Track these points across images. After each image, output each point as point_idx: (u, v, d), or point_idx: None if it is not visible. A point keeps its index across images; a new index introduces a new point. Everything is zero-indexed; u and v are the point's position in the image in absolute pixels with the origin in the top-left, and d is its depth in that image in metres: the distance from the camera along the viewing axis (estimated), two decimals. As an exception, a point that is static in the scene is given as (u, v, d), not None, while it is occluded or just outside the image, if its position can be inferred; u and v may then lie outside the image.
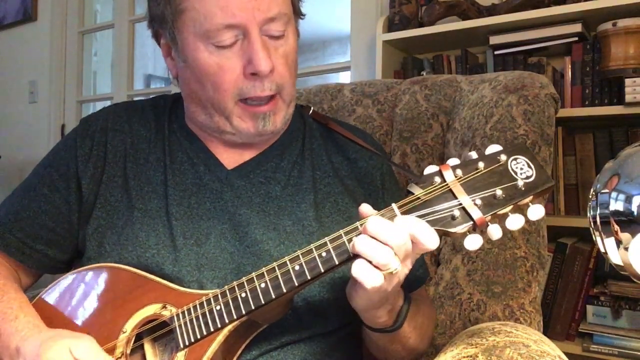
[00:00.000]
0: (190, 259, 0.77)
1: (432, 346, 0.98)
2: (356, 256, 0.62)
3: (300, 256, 0.65)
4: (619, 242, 0.77)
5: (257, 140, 0.84)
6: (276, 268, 0.66)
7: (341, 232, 0.65)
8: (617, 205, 0.77)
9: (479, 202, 0.62)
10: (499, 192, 0.62)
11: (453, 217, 0.62)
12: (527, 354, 0.64)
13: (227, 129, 0.81)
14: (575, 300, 1.51)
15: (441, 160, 1.16)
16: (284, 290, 0.66)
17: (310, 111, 0.93)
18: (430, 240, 0.61)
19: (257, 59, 0.74)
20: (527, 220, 0.63)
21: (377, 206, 0.74)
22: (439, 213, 0.63)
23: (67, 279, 0.80)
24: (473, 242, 0.62)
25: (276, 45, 0.78)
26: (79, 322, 0.77)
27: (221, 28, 0.74)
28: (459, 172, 0.64)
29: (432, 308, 0.94)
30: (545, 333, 0.87)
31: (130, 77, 2.87)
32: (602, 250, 0.80)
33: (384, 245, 0.60)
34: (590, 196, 0.82)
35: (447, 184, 0.64)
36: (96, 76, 3.25)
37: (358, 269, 0.61)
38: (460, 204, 0.62)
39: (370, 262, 0.60)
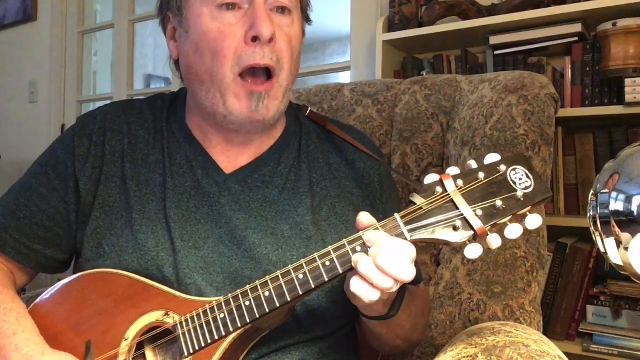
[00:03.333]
0: (188, 261, 0.77)
1: (432, 346, 0.98)
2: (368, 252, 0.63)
3: (304, 265, 0.66)
4: (619, 242, 0.77)
5: (248, 127, 0.81)
6: (280, 277, 0.66)
7: (345, 241, 0.65)
8: (617, 205, 0.77)
9: (479, 212, 0.63)
10: (499, 202, 0.63)
11: (455, 227, 0.63)
12: (527, 354, 0.64)
13: (220, 110, 0.78)
14: (575, 300, 1.51)
15: (441, 160, 1.16)
16: (288, 299, 0.66)
17: (308, 112, 0.92)
18: (409, 255, 0.64)
19: (260, 22, 0.74)
20: (525, 230, 0.64)
21: (376, 207, 0.74)
22: (441, 223, 0.64)
23: (67, 285, 0.79)
24: (473, 252, 0.63)
25: (280, 22, 0.78)
26: (79, 329, 0.75)
27: None
28: (459, 182, 0.65)
29: (427, 299, 0.94)
30: (545, 333, 0.87)
31: (130, 77, 2.87)
32: (602, 250, 0.80)
33: (387, 276, 0.62)
34: (590, 196, 0.82)
35: (448, 194, 0.64)
36: (96, 76, 3.25)
37: (357, 287, 0.63)
38: (462, 215, 0.63)
39: (371, 283, 0.62)
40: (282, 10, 0.79)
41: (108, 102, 2.96)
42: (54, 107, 3.00)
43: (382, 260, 0.61)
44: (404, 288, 0.75)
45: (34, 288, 1.10)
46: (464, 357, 0.66)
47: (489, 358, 0.64)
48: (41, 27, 3.04)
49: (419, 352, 0.98)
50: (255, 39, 0.75)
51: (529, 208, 0.64)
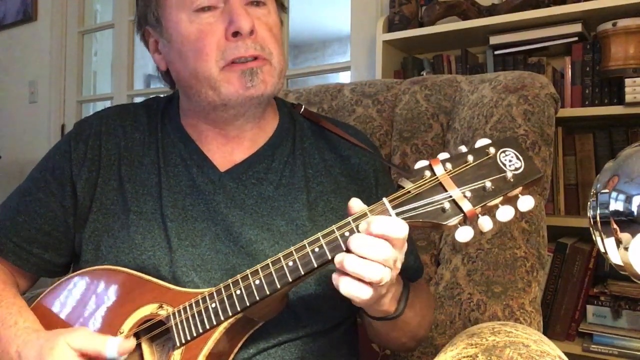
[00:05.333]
0: (185, 259, 0.78)
1: (432, 346, 0.98)
2: (349, 250, 0.62)
3: (294, 252, 0.66)
4: (619, 242, 0.77)
5: (247, 106, 0.80)
6: (270, 265, 0.67)
7: (333, 227, 0.65)
8: (617, 205, 0.77)
9: (468, 194, 0.63)
10: (488, 184, 0.63)
11: (443, 210, 0.63)
12: (527, 354, 0.64)
13: (217, 102, 0.78)
14: (575, 300, 1.51)
15: (441, 160, 1.16)
16: (278, 286, 0.66)
17: (302, 109, 0.93)
18: (401, 231, 0.62)
19: (237, 17, 0.75)
20: (517, 212, 0.64)
21: (371, 202, 0.75)
22: (430, 206, 0.64)
23: (65, 283, 0.80)
24: (464, 234, 0.63)
25: (257, 14, 0.79)
26: (76, 324, 0.77)
27: None
28: (448, 165, 0.65)
29: (430, 295, 0.95)
30: (545, 333, 0.87)
31: (130, 77, 2.87)
32: (602, 250, 0.80)
33: (373, 263, 0.61)
34: (590, 196, 0.82)
35: (437, 177, 0.64)
36: (96, 76, 3.25)
37: (347, 287, 0.61)
38: (451, 197, 0.63)
39: (361, 280, 0.61)
40: (257, 3, 0.80)
41: (108, 102, 2.97)
42: (54, 107, 3.00)
43: (365, 250, 0.61)
44: (407, 285, 0.76)
45: (34, 289, 1.10)
46: (464, 357, 0.66)
47: (489, 358, 0.64)
48: (41, 27, 3.04)
49: (419, 352, 0.99)
50: (236, 34, 0.76)
51: (519, 189, 0.64)
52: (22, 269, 0.85)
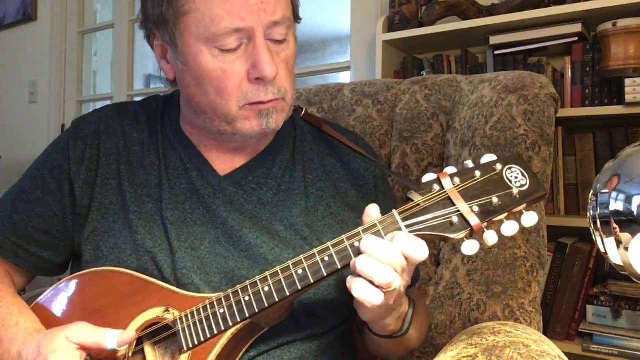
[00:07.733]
0: (186, 262, 0.78)
1: (432, 346, 0.98)
2: (360, 253, 0.64)
3: (304, 260, 0.67)
4: (619, 242, 0.77)
5: (255, 139, 0.83)
6: (279, 272, 0.67)
7: (343, 237, 0.66)
8: (617, 205, 0.77)
9: (476, 209, 0.64)
10: (495, 199, 0.65)
11: (451, 223, 0.65)
12: (527, 354, 0.64)
13: (228, 131, 0.79)
14: (575, 300, 1.51)
15: (441, 160, 1.16)
16: (288, 294, 0.67)
17: (303, 113, 0.92)
18: (422, 254, 0.64)
19: (263, 64, 0.73)
20: (521, 227, 0.65)
21: None
22: (438, 219, 0.65)
23: (66, 283, 0.79)
24: (470, 248, 0.64)
25: (278, 49, 0.77)
26: None
27: (228, 32, 0.72)
28: (456, 180, 0.66)
29: (426, 306, 0.96)
30: (545, 333, 0.87)
31: (130, 77, 2.87)
32: (602, 250, 0.80)
33: (383, 265, 0.62)
34: (590, 196, 0.82)
35: (445, 192, 0.66)
36: (96, 76, 3.25)
37: (359, 290, 0.63)
38: (458, 211, 0.65)
39: (371, 282, 0.62)
40: (279, 40, 0.77)
41: (108, 102, 2.97)
42: (54, 107, 3.00)
43: (377, 251, 0.62)
44: (413, 304, 0.77)
45: (34, 288, 1.10)
46: (464, 357, 0.66)
47: (489, 358, 0.64)
48: (41, 27, 3.04)
49: (419, 352, 0.98)
50: (258, 78, 0.75)
51: (524, 205, 0.65)
52: (19, 268, 0.85)
